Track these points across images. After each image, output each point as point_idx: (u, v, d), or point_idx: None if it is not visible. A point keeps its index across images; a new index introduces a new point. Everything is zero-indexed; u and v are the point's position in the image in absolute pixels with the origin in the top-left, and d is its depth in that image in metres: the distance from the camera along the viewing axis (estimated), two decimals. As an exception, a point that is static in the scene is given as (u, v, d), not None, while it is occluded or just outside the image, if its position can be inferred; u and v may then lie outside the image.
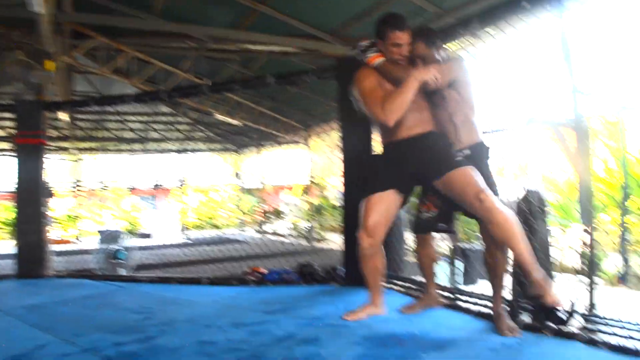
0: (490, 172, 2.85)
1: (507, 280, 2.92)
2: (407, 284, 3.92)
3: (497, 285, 2.86)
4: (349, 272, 4.16)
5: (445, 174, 2.68)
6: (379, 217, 2.84)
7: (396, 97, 2.69)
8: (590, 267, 3.08)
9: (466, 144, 2.84)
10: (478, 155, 2.84)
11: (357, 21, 6.62)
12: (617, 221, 7.56)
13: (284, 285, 4.26)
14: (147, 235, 17.34)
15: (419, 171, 2.82)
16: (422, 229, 3.12)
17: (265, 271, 4.49)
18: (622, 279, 2.33)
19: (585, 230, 2.79)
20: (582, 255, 2.84)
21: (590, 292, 2.95)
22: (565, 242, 8.28)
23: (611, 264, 6.87)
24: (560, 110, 2.95)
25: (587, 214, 3.22)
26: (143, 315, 3.40)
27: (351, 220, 3.54)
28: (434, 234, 3.19)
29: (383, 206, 2.85)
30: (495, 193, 2.72)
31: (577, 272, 2.66)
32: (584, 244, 2.87)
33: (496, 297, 2.86)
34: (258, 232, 17.78)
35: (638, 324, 2.53)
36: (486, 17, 3.17)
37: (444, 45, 2.99)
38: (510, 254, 2.73)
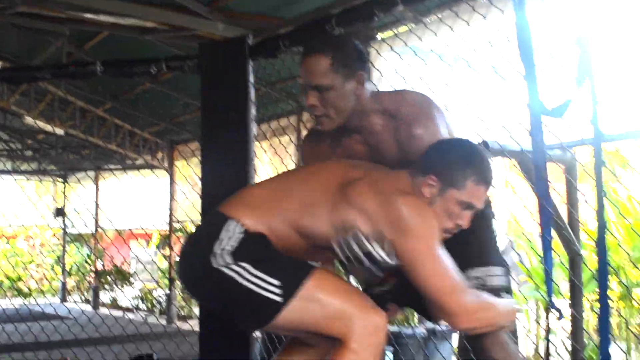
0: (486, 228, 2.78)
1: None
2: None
3: None
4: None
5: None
6: None
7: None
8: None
9: None
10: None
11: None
12: (618, 295, 8.04)
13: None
14: None
15: None
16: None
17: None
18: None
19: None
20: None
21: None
22: (543, 324, 8.65)
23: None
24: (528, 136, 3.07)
25: (573, 286, 3.37)
26: None
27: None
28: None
29: None
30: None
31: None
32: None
33: None
34: (89, 303, 17.32)
35: None
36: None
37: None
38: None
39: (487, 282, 2.59)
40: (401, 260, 2.30)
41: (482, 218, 2.66)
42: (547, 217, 2.70)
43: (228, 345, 3.61)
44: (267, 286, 2.26)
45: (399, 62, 4.35)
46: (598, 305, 2.67)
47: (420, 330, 9.17)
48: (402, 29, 6.27)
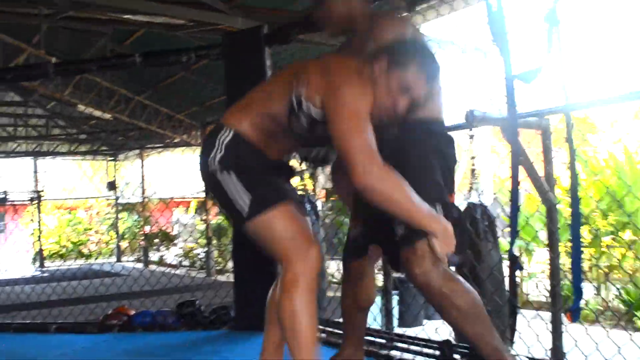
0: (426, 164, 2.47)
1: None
2: (328, 329, 3.89)
3: (354, 330, 2.80)
4: (241, 313, 4.12)
5: None
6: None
7: (406, 199, 2.16)
8: (553, 300, 3.16)
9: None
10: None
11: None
12: (588, 241, 8.00)
13: (158, 332, 4.15)
14: (-11, 267, 16.60)
15: None
16: (349, 252, 2.76)
17: (132, 313, 4.37)
18: (573, 313, 2.36)
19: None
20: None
21: (554, 332, 3.01)
22: (528, 269, 8.66)
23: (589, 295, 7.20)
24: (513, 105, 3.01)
25: (551, 234, 3.31)
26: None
27: (244, 244, 3.49)
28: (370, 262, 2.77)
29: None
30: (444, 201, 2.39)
31: (541, 307, 2.67)
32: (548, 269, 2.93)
33: (352, 343, 2.80)
34: (140, 261, 17.40)
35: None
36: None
37: None
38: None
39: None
40: (326, 117, 2.19)
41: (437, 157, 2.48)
42: (517, 172, 2.64)
43: (258, 292, 3.60)
44: (241, 198, 2.23)
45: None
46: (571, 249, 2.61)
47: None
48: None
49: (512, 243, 2.60)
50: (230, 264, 14.12)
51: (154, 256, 17.28)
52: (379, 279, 4.40)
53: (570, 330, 2.95)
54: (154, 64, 4.89)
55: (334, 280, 10.56)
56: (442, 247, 2.18)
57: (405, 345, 3.28)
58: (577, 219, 2.51)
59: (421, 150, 2.44)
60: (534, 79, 2.42)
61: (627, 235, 8.33)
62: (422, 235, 2.23)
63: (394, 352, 3.30)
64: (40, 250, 17.57)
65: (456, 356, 2.92)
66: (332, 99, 2.17)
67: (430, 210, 2.19)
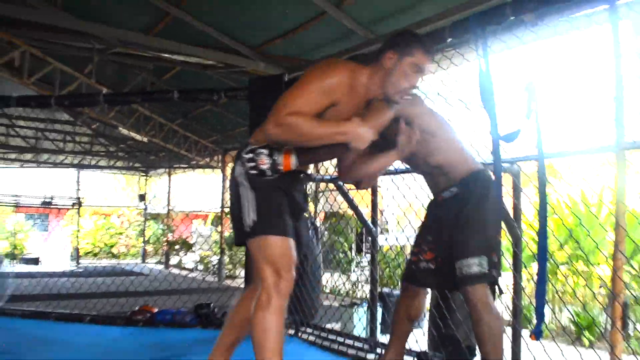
0: (486, 212, 2.56)
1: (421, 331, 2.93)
2: (317, 333, 3.87)
3: (400, 337, 2.84)
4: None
5: None
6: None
7: (311, 127, 2.21)
8: (514, 317, 3.16)
9: (456, 180, 2.61)
10: (472, 191, 2.58)
11: (282, 38, 6.66)
12: (553, 270, 8.01)
13: (177, 328, 4.13)
14: (34, 261, 16.52)
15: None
16: (416, 280, 2.75)
17: (155, 310, 4.35)
18: (537, 334, 2.34)
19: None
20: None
21: (514, 345, 3.01)
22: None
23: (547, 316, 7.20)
24: (487, 153, 3.04)
25: (516, 262, 3.33)
26: (5, 356, 3.21)
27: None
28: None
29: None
30: (494, 248, 2.52)
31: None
32: (510, 291, 2.93)
33: (396, 348, 2.84)
34: (161, 263, 17.35)
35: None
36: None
37: None
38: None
39: (463, 271, 2.45)
40: None
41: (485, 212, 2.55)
42: (502, 215, 2.65)
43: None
44: (249, 214, 2.27)
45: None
46: (535, 278, 2.61)
47: (397, 292, 9.15)
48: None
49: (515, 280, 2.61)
50: (238, 271, 14.08)
51: (174, 260, 17.25)
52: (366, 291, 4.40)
53: (529, 345, 2.95)
54: (188, 100, 4.92)
55: (326, 290, 10.57)
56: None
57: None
58: (544, 251, 2.51)
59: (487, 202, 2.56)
60: (515, 139, 2.45)
61: (580, 266, 8.37)
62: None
63: (371, 357, 3.30)
64: (77, 248, 17.55)
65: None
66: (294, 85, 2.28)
67: (336, 126, 2.23)
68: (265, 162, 2.29)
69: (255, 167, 2.28)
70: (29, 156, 15.61)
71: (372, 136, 2.28)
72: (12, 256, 17.08)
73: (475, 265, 2.44)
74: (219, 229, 14.44)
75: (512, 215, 3.37)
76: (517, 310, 3.20)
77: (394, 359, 2.83)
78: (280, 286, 2.23)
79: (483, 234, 2.51)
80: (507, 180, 3.12)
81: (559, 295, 8.19)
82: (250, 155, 2.32)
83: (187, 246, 17.51)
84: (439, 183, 2.64)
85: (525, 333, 2.93)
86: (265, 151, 2.31)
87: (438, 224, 2.65)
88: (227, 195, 13.11)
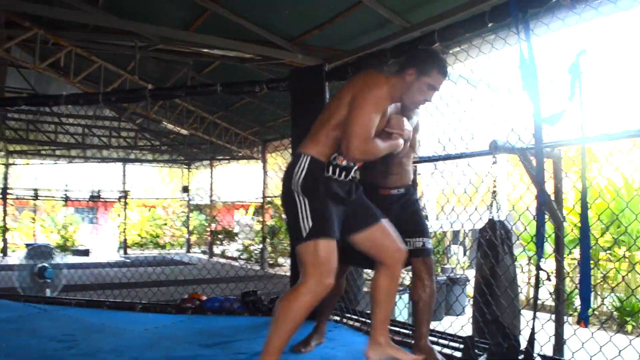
0: (421, 211, 3.12)
1: (466, 317, 2.92)
2: (362, 319, 3.88)
3: (422, 320, 2.93)
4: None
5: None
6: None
7: (383, 148, 2.57)
8: (557, 303, 3.11)
9: (402, 184, 3.06)
10: (410, 196, 3.09)
11: (319, 29, 6.65)
12: (595, 255, 7.84)
13: (225, 315, 4.18)
14: (85, 252, 16.94)
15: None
16: (347, 259, 2.95)
17: (204, 298, 4.40)
18: (585, 320, 2.31)
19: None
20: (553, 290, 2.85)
21: (557, 331, 2.96)
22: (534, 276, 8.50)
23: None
24: (529, 137, 2.99)
25: (558, 247, 3.27)
26: (64, 343, 3.30)
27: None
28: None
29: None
30: (428, 234, 3.02)
31: (546, 309, 2.65)
32: (554, 276, 2.89)
33: (422, 331, 2.92)
34: (205, 253, 17.57)
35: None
36: (446, 32, 3.20)
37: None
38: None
39: (426, 245, 2.96)
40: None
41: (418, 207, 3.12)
42: (544, 198, 2.60)
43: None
44: (305, 221, 2.47)
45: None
46: (577, 262, 2.55)
47: (444, 277, 9.10)
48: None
49: (539, 255, 2.58)
50: (280, 259, 14.19)
51: (217, 249, 17.48)
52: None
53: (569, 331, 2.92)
54: (231, 93, 4.94)
55: (368, 278, 10.55)
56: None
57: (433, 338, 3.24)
58: (587, 235, 2.47)
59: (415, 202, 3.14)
60: (558, 122, 2.41)
61: (622, 251, 8.18)
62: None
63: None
64: (125, 239, 17.90)
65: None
66: (354, 103, 2.51)
67: (389, 145, 2.61)
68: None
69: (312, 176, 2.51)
70: (76, 152, 16.00)
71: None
72: (63, 248, 17.54)
73: (431, 242, 3.03)
74: (261, 218, 14.56)
75: (554, 200, 3.32)
76: (560, 296, 3.16)
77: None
78: (316, 287, 2.45)
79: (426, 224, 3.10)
80: (547, 165, 3.07)
81: (604, 281, 8.01)
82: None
83: (230, 236, 17.70)
84: (389, 180, 3.03)
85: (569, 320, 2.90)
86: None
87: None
88: (269, 185, 13.15)
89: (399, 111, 2.76)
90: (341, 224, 2.58)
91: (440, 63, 2.60)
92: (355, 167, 2.64)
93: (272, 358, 2.39)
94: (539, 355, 2.70)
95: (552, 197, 3.29)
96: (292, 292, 2.45)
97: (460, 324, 3.54)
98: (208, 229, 18.01)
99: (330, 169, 2.53)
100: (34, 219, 18.81)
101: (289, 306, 2.40)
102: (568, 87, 2.33)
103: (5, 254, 15.46)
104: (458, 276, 9.21)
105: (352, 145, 2.44)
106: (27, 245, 10.60)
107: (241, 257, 15.84)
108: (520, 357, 2.55)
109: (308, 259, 2.44)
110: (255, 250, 15.26)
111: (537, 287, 2.65)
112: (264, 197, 13.00)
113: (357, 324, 3.74)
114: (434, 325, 3.33)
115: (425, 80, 2.57)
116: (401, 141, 2.69)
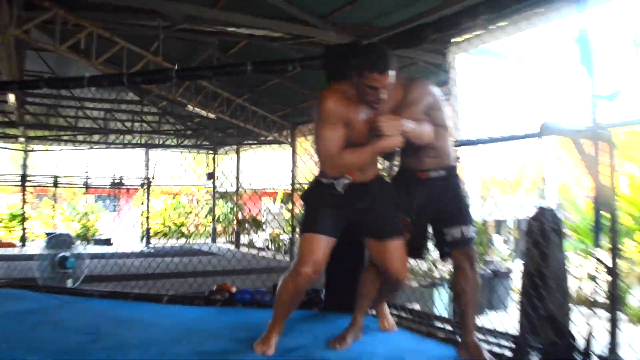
0: (464, 196, 3.15)
1: (514, 315, 2.89)
2: (397, 313, 3.87)
3: (468, 314, 2.96)
4: (330, 296, 4.14)
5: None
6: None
7: (355, 157, 2.82)
8: (611, 300, 3.04)
9: (441, 166, 3.08)
10: (452, 179, 3.11)
11: (351, 5, 6.59)
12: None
13: (256, 308, 4.21)
14: (106, 242, 17.19)
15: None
16: None
17: (234, 290, 4.44)
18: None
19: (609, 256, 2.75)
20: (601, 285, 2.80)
21: (612, 329, 2.90)
22: (586, 270, 8.35)
23: (637, 298, 6.90)
24: (580, 119, 2.92)
25: (611, 238, 3.20)
26: (88, 337, 3.34)
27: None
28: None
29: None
30: (470, 221, 3.05)
31: (597, 305, 2.61)
32: (605, 271, 2.84)
33: (468, 327, 2.94)
34: (232, 243, 17.69)
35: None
36: (494, 4, 3.13)
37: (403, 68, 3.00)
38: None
39: (465, 234, 2.99)
40: None
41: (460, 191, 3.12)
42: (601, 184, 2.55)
43: (346, 278, 3.64)
44: (303, 220, 3.11)
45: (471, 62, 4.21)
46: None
47: (486, 271, 9.02)
48: (471, 35, 6.05)
49: (614, 259, 2.56)
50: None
51: (244, 239, 17.56)
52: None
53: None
54: (262, 72, 4.94)
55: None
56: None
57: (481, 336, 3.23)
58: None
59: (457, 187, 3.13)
60: (616, 98, 2.37)
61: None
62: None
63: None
64: (148, 229, 18.07)
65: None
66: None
67: (370, 148, 2.79)
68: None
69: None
70: (97, 137, 16.19)
71: (403, 124, 2.74)
72: (84, 237, 17.83)
73: (473, 230, 3.04)
74: (290, 206, 14.57)
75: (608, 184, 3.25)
76: (614, 291, 3.09)
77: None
78: (301, 269, 2.92)
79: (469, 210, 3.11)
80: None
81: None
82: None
83: (257, 225, 17.77)
84: (425, 162, 3.05)
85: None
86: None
87: (420, 196, 3.08)
88: (298, 172, 13.16)
89: (396, 107, 2.83)
90: (355, 225, 3.01)
91: (367, 61, 2.68)
92: (348, 181, 2.91)
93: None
94: (595, 354, 2.67)
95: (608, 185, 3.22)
96: (286, 274, 3.00)
97: (504, 319, 3.50)
98: (235, 218, 18.10)
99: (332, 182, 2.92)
100: (53, 207, 19.13)
101: (278, 289, 3.04)
102: (627, 63, 2.28)
103: (24, 243, 15.77)
104: (501, 269, 9.13)
105: (323, 166, 2.90)
106: (47, 234, 10.78)
107: (269, 247, 15.91)
108: (578, 358, 2.52)
109: (299, 249, 2.99)
110: (284, 240, 15.30)
111: (614, 282, 2.62)
112: (294, 184, 12.99)
113: (395, 319, 3.74)
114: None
115: (362, 81, 2.69)
116: (393, 139, 2.74)
